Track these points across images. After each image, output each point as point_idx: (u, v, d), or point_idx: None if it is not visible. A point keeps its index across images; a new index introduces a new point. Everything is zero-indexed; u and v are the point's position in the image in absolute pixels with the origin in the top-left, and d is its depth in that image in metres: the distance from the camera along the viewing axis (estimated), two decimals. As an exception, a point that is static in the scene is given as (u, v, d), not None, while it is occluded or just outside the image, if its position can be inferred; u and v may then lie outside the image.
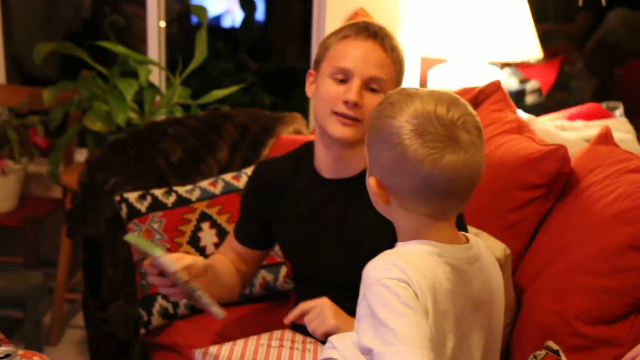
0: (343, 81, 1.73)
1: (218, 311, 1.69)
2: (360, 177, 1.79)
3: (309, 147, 1.91)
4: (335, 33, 1.79)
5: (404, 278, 1.22)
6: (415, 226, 1.32)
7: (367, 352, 1.21)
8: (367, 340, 1.21)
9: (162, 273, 1.71)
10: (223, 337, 2.09)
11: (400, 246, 1.34)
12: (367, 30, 1.74)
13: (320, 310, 1.68)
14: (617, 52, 3.67)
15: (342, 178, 1.83)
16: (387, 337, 1.18)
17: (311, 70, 1.84)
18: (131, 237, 1.66)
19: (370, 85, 1.73)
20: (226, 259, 2.03)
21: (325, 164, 1.85)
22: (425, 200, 1.28)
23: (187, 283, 1.65)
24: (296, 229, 1.90)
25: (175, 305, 2.25)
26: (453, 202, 1.30)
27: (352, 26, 1.77)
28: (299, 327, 1.91)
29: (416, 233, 1.32)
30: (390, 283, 1.21)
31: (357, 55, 1.72)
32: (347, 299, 1.60)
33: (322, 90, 1.76)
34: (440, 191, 1.26)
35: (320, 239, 1.86)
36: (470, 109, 1.30)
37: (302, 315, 1.72)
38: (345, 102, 1.71)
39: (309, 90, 1.85)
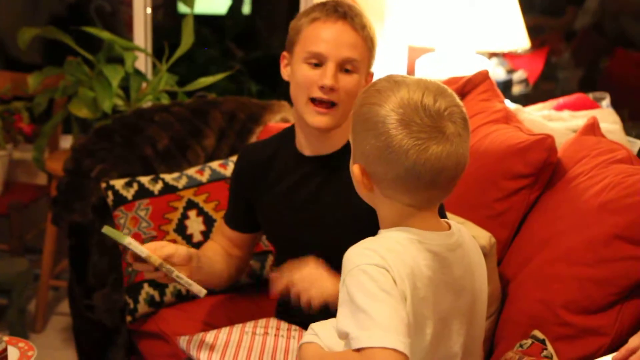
0: (317, 65, 1.75)
1: (199, 289, 1.69)
2: (340, 153, 1.80)
3: (291, 128, 1.92)
4: (306, 14, 1.79)
5: (382, 264, 1.22)
6: (398, 214, 1.32)
7: (344, 336, 1.22)
8: (345, 325, 1.21)
9: (141, 259, 1.71)
10: (209, 324, 2.09)
11: (381, 233, 1.35)
12: (337, 11, 1.75)
13: (313, 278, 1.59)
14: (603, 42, 3.68)
15: (322, 155, 1.84)
16: (365, 322, 1.18)
17: (285, 53, 1.85)
18: (106, 229, 1.68)
19: (344, 66, 1.74)
20: (218, 245, 2.03)
21: (304, 142, 1.86)
22: (409, 190, 1.28)
23: (161, 265, 1.67)
24: (276, 208, 1.91)
25: (162, 293, 2.25)
26: (436, 193, 1.31)
27: (322, 7, 1.77)
28: (284, 315, 1.92)
29: (398, 221, 1.33)
30: (369, 269, 1.22)
31: (329, 38, 1.74)
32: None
33: (297, 75, 1.77)
34: (424, 182, 1.26)
35: (298, 217, 1.86)
36: (457, 99, 1.30)
37: (290, 285, 1.61)
38: (322, 87, 1.73)
39: (284, 72, 1.86)
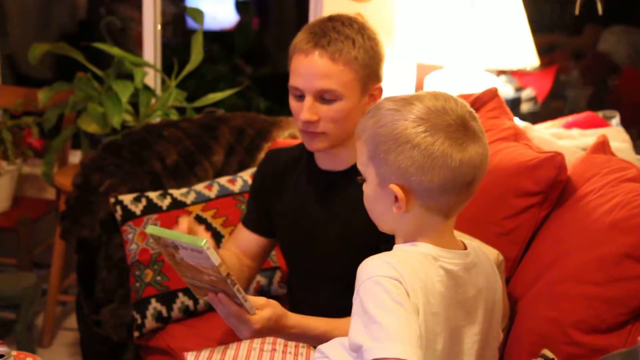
0: (302, 97, 1.76)
1: (251, 305, 1.52)
2: (350, 171, 1.80)
3: None
4: (297, 38, 1.79)
5: (396, 276, 1.22)
6: (421, 228, 1.32)
7: (356, 348, 1.21)
8: (357, 337, 1.21)
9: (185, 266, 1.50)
10: (216, 341, 2.09)
11: (396, 247, 1.35)
12: (314, 39, 1.73)
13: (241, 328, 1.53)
14: (613, 61, 3.68)
15: (335, 170, 1.86)
16: (377, 333, 1.18)
17: None
18: (154, 229, 1.43)
19: (322, 96, 1.74)
20: (231, 252, 2.01)
21: (318, 157, 1.89)
22: (453, 193, 1.28)
23: (228, 276, 1.45)
24: (289, 215, 1.93)
25: (169, 308, 2.24)
26: (470, 195, 1.32)
27: (308, 32, 1.76)
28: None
29: (417, 235, 1.33)
30: (383, 280, 1.22)
31: (303, 72, 1.74)
32: (341, 293, 1.58)
33: (290, 105, 1.80)
34: (467, 181, 1.28)
35: (314, 231, 1.88)
36: (465, 102, 1.33)
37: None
38: (302, 121, 1.75)
39: None
